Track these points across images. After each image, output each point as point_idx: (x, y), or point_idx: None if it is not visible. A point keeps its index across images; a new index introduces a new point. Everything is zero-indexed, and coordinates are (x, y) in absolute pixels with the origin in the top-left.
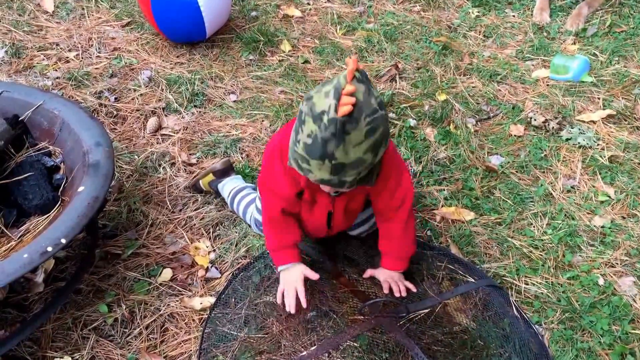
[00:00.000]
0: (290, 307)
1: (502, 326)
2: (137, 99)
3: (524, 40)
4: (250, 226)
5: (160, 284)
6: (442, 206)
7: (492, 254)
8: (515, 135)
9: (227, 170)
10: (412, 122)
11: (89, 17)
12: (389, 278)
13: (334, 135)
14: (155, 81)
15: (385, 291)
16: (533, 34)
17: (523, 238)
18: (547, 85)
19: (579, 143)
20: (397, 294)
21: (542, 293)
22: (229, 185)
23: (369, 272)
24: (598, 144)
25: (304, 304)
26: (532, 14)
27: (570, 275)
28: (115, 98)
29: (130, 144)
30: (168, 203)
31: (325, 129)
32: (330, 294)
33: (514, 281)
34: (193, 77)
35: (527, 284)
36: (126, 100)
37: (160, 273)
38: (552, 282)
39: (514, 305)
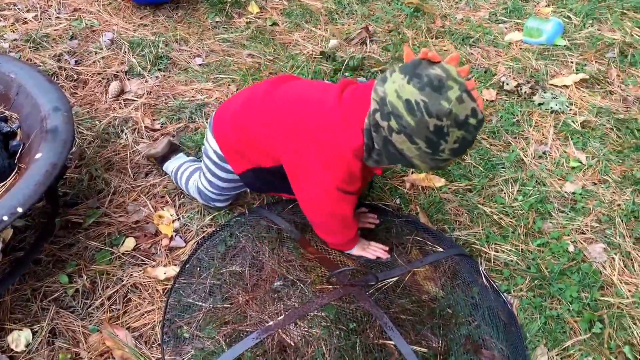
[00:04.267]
0: (384, 253)
1: (471, 295)
2: (99, 62)
3: (497, 2)
4: (195, 199)
5: (123, 254)
6: (412, 173)
7: (462, 222)
8: (487, 100)
9: (168, 154)
10: None
11: None
12: None
13: (479, 131)
14: (118, 44)
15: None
16: None
17: (493, 205)
18: (520, 48)
19: (551, 108)
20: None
21: (511, 260)
22: (172, 165)
23: None
24: (570, 109)
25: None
26: None
27: (540, 242)
28: (76, 61)
29: (92, 108)
30: (130, 170)
31: (476, 129)
32: (298, 263)
33: (484, 249)
34: (157, 39)
35: (497, 252)
36: (87, 64)
37: (123, 242)
38: (522, 249)
39: (483, 274)
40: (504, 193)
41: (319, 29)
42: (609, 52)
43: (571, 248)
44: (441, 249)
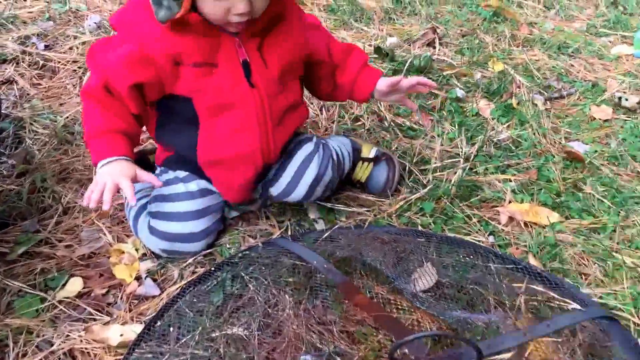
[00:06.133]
0: (92, 201)
1: None
2: (77, 48)
3: (595, 14)
4: (141, 241)
5: (60, 301)
6: (509, 202)
7: (591, 275)
8: (600, 119)
9: None
10: (460, 93)
11: None
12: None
13: None
14: (106, 29)
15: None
16: (605, 8)
17: (635, 253)
18: (634, 63)
19: None
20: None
21: None
22: None
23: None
24: None
25: (131, 200)
26: None
27: None
28: (46, 46)
29: (56, 102)
30: None
31: None
32: (339, 325)
33: (631, 317)
34: None
35: None
36: (61, 50)
37: (65, 284)
38: None
39: None
40: None
41: (372, 28)
42: None
43: None
44: (575, 308)
